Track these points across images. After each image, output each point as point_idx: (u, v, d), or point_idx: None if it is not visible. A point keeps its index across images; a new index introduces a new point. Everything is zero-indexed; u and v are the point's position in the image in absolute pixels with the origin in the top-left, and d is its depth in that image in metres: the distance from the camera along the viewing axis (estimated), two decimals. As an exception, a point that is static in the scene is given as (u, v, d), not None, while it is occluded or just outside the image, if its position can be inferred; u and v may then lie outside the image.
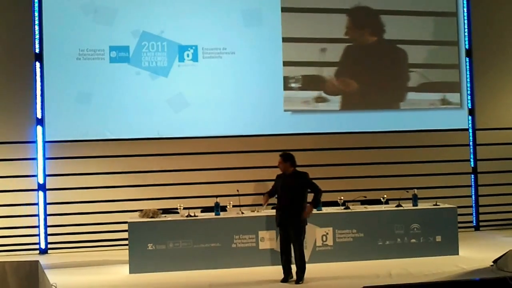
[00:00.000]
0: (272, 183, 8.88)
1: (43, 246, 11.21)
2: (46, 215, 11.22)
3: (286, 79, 11.77)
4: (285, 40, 11.80)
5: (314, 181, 8.69)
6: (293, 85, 11.82)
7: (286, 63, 11.78)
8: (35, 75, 11.26)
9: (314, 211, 9.42)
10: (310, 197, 8.67)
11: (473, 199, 12.45)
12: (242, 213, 9.70)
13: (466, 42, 12.41)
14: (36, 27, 11.24)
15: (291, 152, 8.80)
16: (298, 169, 8.72)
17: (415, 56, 12.25)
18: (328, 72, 11.96)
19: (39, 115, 11.24)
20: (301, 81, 11.87)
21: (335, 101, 11.95)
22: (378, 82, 12.12)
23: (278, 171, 8.81)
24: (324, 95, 11.92)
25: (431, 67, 12.28)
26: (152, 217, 9.51)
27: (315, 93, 11.90)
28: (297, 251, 8.53)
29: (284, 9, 11.82)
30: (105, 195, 11.25)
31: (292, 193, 8.54)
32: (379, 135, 12.03)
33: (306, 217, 8.56)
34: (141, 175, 11.40)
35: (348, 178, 11.76)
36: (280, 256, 8.67)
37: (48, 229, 11.22)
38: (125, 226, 9.50)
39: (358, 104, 12.03)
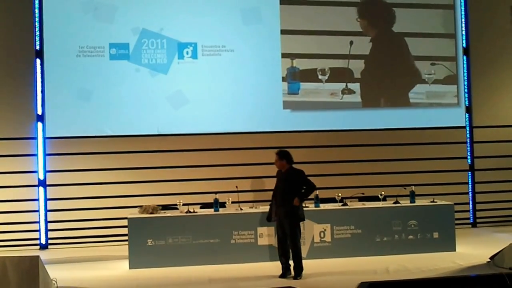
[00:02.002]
0: (271, 180, 8.93)
1: (43, 241, 11.27)
2: (46, 210, 11.27)
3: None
4: (283, 32, 11.86)
5: (312, 178, 8.74)
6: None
7: (284, 55, 11.86)
8: (36, 72, 11.30)
9: (312, 207, 9.54)
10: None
11: (470, 196, 12.52)
12: (241, 209, 9.75)
13: (464, 40, 12.47)
14: (37, 24, 11.28)
15: (289, 149, 8.87)
16: (295, 166, 8.79)
17: (411, 50, 12.35)
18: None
19: (39, 112, 11.29)
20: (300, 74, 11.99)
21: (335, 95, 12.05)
22: (377, 79, 12.18)
23: (274, 168, 8.88)
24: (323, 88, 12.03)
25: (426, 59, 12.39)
26: (151, 213, 9.57)
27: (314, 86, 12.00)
28: (293, 248, 8.61)
29: (282, 1, 11.88)
30: (105, 191, 11.29)
31: (287, 190, 8.61)
32: (377, 132, 12.08)
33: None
34: (140, 171, 11.44)
35: (346, 175, 11.82)
36: (278, 252, 8.75)
37: (49, 224, 11.28)
38: (125, 222, 9.56)
39: (356, 101, 12.09)
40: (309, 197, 8.92)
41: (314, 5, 12.02)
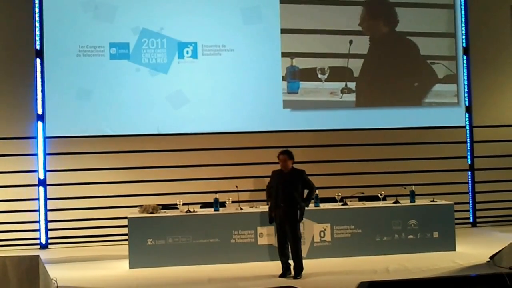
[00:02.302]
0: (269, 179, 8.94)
1: (43, 241, 11.28)
2: (46, 210, 11.28)
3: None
4: (283, 31, 11.87)
5: (312, 177, 8.78)
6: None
7: (284, 54, 11.87)
8: (36, 72, 11.31)
9: (312, 206, 9.55)
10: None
11: (470, 195, 12.53)
12: (241, 209, 9.76)
13: (464, 40, 12.47)
14: (37, 24, 11.29)
15: (289, 149, 8.88)
16: (295, 166, 8.80)
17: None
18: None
19: (39, 111, 11.29)
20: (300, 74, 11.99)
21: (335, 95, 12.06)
22: (377, 78, 12.19)
23: (274, 167, 8.88)
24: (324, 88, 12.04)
25: (426, 58, 12.42)
26: (151, 213, 9.57)
27: (313, 85, 12.01)
28: (293, 247, 8.62)
29: (282, 0, 11.88)
30: (105, 190, 11.30)
31: (290, 190, 8.60)
32: (377, 132, 12.09)
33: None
34: (140, 171, 11.45)
35: (346, 174, 11.83)
36: (278, 252, 8.75)
37: (49, 224, 11.29)
38: (125, 222, 9.56)
39: (356, 101, 12.09)
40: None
41: (314, 4, 12.03)
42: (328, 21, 12.05)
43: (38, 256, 7.52)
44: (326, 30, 12.03)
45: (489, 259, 8.90)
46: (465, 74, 12.46)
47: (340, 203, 9.96)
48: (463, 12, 12.47)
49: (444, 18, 12.47)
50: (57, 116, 11.29)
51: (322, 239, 9.69)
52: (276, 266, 8.75)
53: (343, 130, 12.01)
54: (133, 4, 11.52)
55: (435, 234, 9.93)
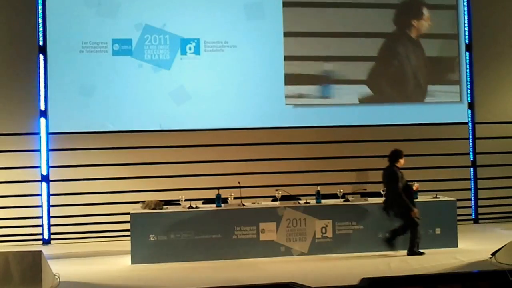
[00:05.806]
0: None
1: (46, 236, 11.31)
2: (49, 206, 11.31)
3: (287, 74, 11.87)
4: (286, 34, 11.87)
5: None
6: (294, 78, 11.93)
7: (287, 58, 11.84)
8: (39, 68, 11.33)
9: (313, 203, 9.61)
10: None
11: (472, 192, 12.52)
12: (243, 205, 9.76)
13: (466, 36, 12.46)
14: (40, 20, 11.30)
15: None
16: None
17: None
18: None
19: (42, 107, 11.31)
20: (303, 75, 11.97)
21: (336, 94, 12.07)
22: (379, 75, 12.19)
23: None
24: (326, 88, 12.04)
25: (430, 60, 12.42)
26: (154, 209, 9.58)
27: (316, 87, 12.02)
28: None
29: (285, 4, 11.87)
30: (107, 186, 11.32)
31: None
32: (379, 128, 12.09)
33: None
34: (143, 167, 11.46)
35: (348, 170, 11.83)
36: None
37: (51, 219, 11.31)
38: (127, 217, 9.57)
39: (358, 98, 12.09)
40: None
41: (318, 7, 12.04)
42: (331, 22, 12.06)
43: (40, 251, 7.56)
44: (329, 33, 12.04)
45: (491, 256, 8.88)
46: (468, 70, 12.44)
47: (342, 199, 9.96)
48: (465, 9, 12.44)
49: (447, 14, 12.46)
50: (60, 112, 11.30)
51: (323, 235, 9.69)
52: (276, 262, 8.81)
53: (345, 127, 12.01)
54: (136, 0, 11.53)
55: (437, 231, 9.93)
